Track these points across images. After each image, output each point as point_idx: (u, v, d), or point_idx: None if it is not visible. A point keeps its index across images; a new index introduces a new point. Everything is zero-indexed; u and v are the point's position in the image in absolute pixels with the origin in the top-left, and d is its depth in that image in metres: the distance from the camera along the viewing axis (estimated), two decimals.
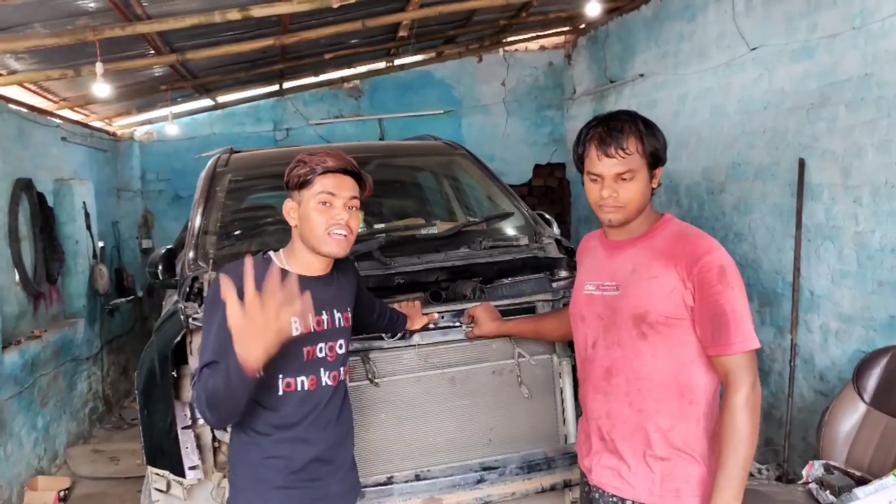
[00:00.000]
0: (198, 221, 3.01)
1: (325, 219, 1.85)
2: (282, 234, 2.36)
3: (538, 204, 7.44)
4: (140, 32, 4.03)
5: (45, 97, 5.49)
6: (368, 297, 2.27)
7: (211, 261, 2.67)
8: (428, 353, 2.56)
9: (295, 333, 1.71)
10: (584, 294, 1.97)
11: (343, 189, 1.88)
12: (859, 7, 3.45)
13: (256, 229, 3.46)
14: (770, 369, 4.26)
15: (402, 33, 5.94)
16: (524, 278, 2.86)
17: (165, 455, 2.40)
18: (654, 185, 1.86)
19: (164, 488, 2.42)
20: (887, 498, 2.36)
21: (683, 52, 5.22)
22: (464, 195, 3.94)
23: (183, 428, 2.40)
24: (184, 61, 4.97)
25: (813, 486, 2.73)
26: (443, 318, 2.56)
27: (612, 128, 1.81)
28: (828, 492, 2.65)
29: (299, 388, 1.87)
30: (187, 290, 2.55)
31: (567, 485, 2.54)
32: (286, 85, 7.37)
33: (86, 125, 6.48)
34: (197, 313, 2.39)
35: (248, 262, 1.65)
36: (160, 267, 3.02)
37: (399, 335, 2.50)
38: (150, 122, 7.35)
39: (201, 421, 2.38)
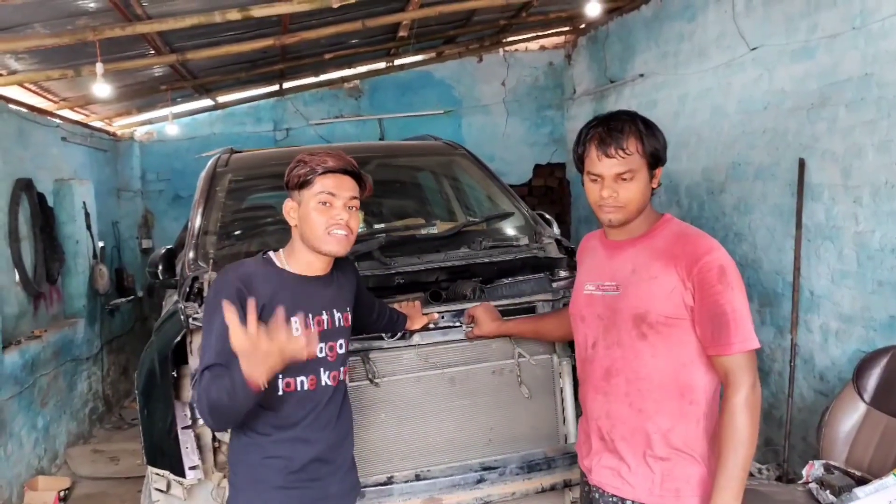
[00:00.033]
0: (198, 221, 3.02)
1: (325, 219, 1.85)
2: (282, 234, 2.36)
3: (538, 204, 7.44)
4: (140, 32, 4.04)
5: (45, 97, 5.49)
6: (368, 297, 2.27)
7: (211, 261, 2.67)
8: (428, 353, 2.55)
9: (296, 334, 1.71)
10: (584, 294, 1.97)
11: (343, 189, 1.88)
12: (859, 7, 3.45)
13: (256, 229, 3.46)
14: (770, 369, 4.26)
15: (402, 33, 5.94)
16: (524, 278, 2.86)
17: (165, 455, 2.40)
18: (654, 186, 1.86)
19: (165, 488, 2.42)
20: (887, 498, 2.36)
21: (683, 52, 5.21)
22: (464, 195, 3.94)
23: (183, 428, 2.40)
24: (184, 61, 4.97)
25: (813, 485, 2.73)
26: (443, 318, 2.56)
27: (612, 128, 1.81)
28: (828, 492, 2.65)
29: (299, 388, 1.87)
30: (187, 290, 2.55)
31: (567, 485, 2.54)
32: (286, 85, 7.37)
33: (86, 125, 6.48)
34: (197, 313, 2.39)
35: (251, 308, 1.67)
36: (160, 267, 3.02)
37: (399, 335, 2.50)
38: (150, 122, 7.35)
39: (201, 421, 2.37)
